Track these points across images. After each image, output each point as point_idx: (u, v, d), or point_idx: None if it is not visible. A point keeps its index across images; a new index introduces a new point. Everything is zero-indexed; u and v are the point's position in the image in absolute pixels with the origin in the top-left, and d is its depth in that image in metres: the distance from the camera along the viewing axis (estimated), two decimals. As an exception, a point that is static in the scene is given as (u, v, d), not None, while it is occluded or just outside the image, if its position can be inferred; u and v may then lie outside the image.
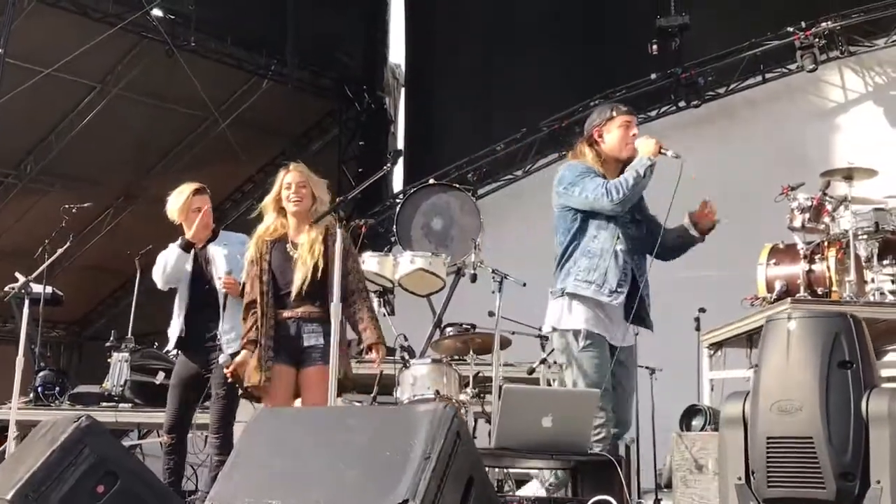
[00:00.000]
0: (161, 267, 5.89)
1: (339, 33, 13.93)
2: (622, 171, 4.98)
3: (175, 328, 5.92)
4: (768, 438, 3.07)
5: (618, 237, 4.90)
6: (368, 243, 9.97)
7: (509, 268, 9.61)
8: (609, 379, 4.81)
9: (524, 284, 6.90)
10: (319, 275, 5.13)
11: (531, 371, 6.93)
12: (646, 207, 5.19)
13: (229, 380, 5.39)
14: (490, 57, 13.37)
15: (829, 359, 3.01)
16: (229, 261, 5.82)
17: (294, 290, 5.18)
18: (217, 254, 5.91)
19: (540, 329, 7.54)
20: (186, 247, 5.83)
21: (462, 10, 13.84)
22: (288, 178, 5.34)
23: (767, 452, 3.05)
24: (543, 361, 6.87)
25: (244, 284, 5.40)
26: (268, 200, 5.40)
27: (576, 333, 4.90)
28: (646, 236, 5.08)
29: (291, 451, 3.70)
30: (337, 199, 5.35)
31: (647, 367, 8.46)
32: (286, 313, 5.23)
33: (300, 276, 5.16)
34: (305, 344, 5.19)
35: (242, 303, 5.36)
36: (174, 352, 6.24)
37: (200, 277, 5.90)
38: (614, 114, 5.04)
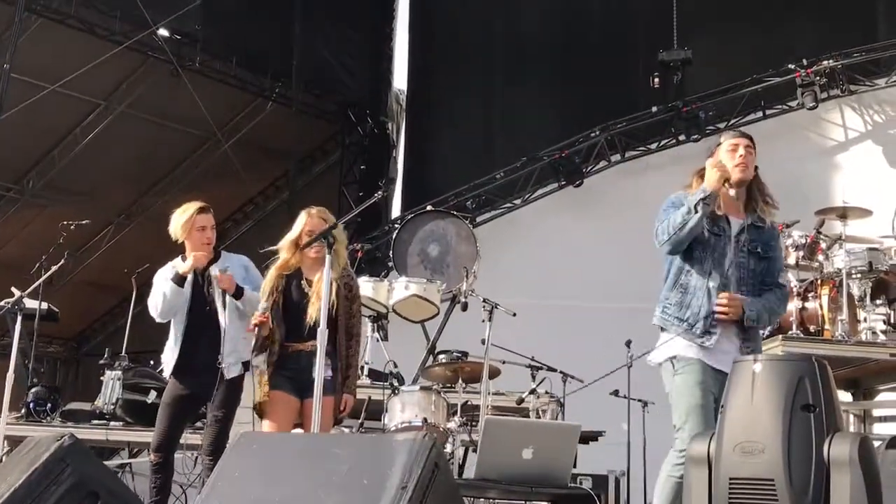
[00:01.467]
0: (157, 300, 5.82)
1: (344, 58, 14.01)
2: (748, 197, 4.54)
3: (171, 355, 5.85)
4: (731, 479, 3.08)
5: (710, 272, 4.45)
6: (365, 268, 10.03)
7: (505, 296, 9.62)
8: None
9: (514, 314, 6.91)
10: (332, 312, 5.26)
11: (520, 401, 6.93)
12: (775, 242, 4.62)
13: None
14: (492, 86, 13.45)
15: (793, 402, 3.02)
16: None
17: (307, 324, 5.35)
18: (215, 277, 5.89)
19: (532, 358, 7.61)
20: (180, 281, 5.77)
21: (466, 40, 13.94)
22: (309, 227, 5.50)
23: (730, 493, 3.06)
24: (533, 392, 6.88)
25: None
26: (288, 240, 5.54)
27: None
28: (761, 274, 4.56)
29: (271, 476, 3.70)
30: (328, 225, 5.36)
31: (639, 401, 8.47)
32: (298, 346, 5.39)
33: (313, 311, 5.32)
34: (314, 377, 5.16)
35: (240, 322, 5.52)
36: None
37: (201, 299, 5.87)
38: (721, 139, 4.61)
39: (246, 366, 5.69)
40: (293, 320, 5.39)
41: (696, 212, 4.30)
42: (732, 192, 4.46)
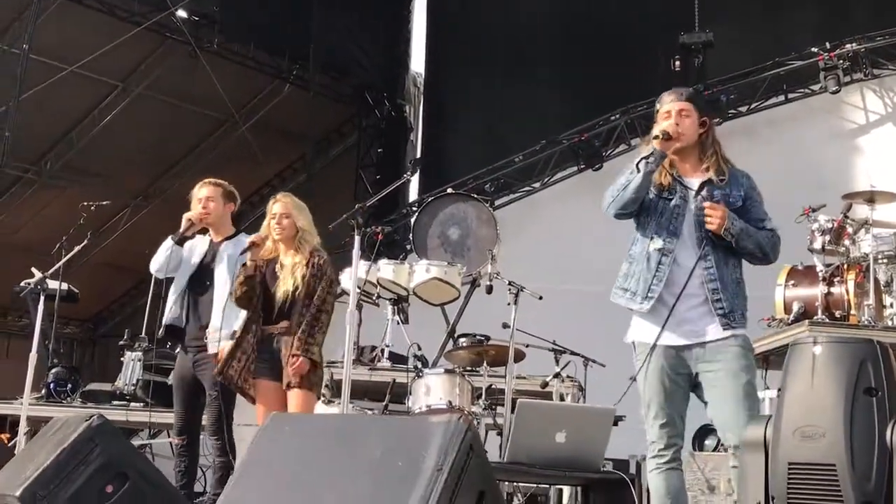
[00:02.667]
0: (157, 254, 6.03)
1: (361, 40, 13.95)
2: (701, 155, 4.35)
3: (169, 317, 6.02)
4: (790, 464, 3.01)
5: (652, 237, 4.28)
6: (384, 251, 9.99)
7: (524, 279, 9.59)
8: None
9: (540, 298, 6.88)
10: (293, 297, 5.57)
11: (544, 385, 6.90)
12: (750, 191, 4.37)
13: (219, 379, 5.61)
14: (511, 69, 13.35)
15: (855, 385, 2.95)
16: (230, 262, 5.93)
17: (276, 307, 5.59)
18: (224, 253, 5.99)
19: (554, 342, 7.58)
20: (180, 241, 5.99)
21: (485, 21, 13.84)
22: (274, 209, 5.75)
23: (789, 478, 2.99)
24: (557, 375, 6.84)
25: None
26: (264, 226, 5.79)
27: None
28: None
29: (303, 459, 3.67)
30: (356, 206, 5.37)
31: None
32: (269, 328, 5.61)
33: (281, 294, 5.58)
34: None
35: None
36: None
37: (206, 272, 5.98)
38: (657, 106, 4.38)
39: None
40: (267, 304, 5.60)
41: (638, 171, 4.16)
42: (676, 152, 4.28)
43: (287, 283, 5.54)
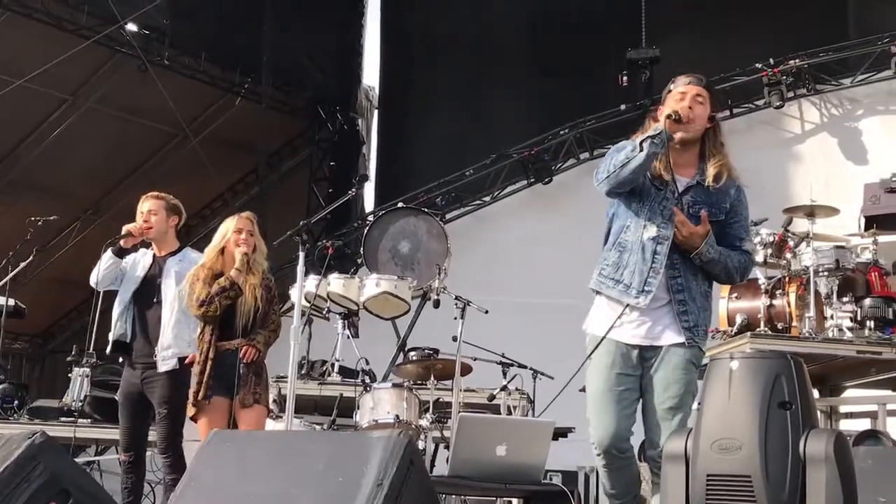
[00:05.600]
0: (97, 266, 5.96)
1: (314, 54, 13.98)
2: (701, 155, 4.08)
3: (115, 333, 5.96)
4: (708, 476, 3.11)
5: (645, 225, 4.00)
6: (335, 265, 10.01)
7: (475, 293, 9.65)
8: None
9: (486, 312, 6.94)
10: (255, 315, 5.60)
11: (492, 398, 6.97)
12: (736, 205, 4.12)
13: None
14: (463, 83, 13.46)
15: (770, 399, 3.06)
16: (178, 278, 5.89)
17: (237, 326, 5.60)
18: (170, 269, 5.97)
19: (503, 355, 7.65)
20: (118, 252, 5.93)
21: (438, 36, 13.95)
22: (239, 225, 5.72)
23: (707, 490, 3.09)
24: (504, 388, 6.91)
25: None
26: (217, 242, 5.74)
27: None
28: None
29: (245, 475, 3.70)
30: (301, 222, 5.40)
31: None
32: (225, 345, 5.59)
33: (241, 313, 5.59)
34: (241, 374, 5.54)
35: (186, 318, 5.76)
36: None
37: (151, 287, 5.95)
38: (671, 85, 4.09)
39: (182, 361, 5.78)
40: (222, 322, 5.58)
41: (642, 149, 3.85)
42: (679, 141, 3.98)
43: (249, 304, 5.58)
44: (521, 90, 13.05)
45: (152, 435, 6.05)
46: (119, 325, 5.93)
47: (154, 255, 6.06)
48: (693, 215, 4.00)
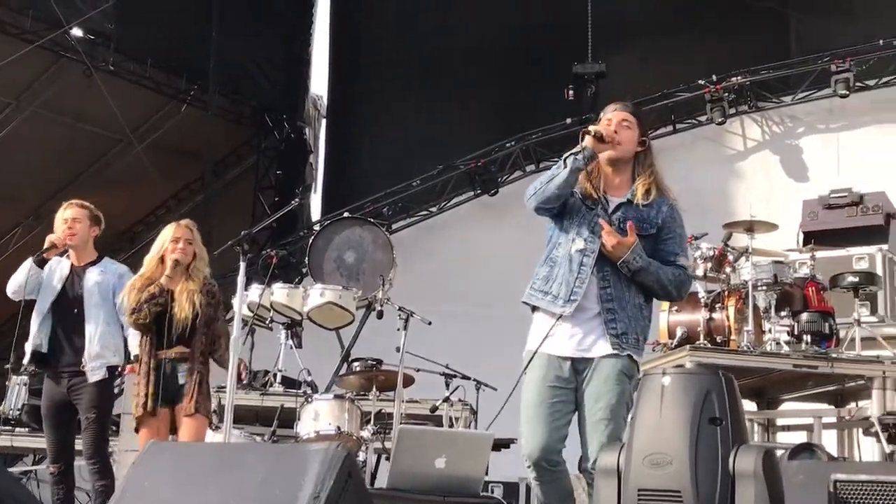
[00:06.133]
0: (15, 275, 5.86)
1: (261, 62, 13.92)
2: (632, 176, 4.22)
3: (32, 343, 5.84)
4: (639, 491, 3.15)
5: (573, 239, 4.13)
6: (279, 274, 9.97)
7: (421, 303, 9.64)
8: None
9: (429, 323, 6.95)
10: (193, 321, 5.52)
11: (434, 409, 6.97)
12: (669, 222, 4.21)
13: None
14: (412, 94, 13.51)
15: (700, 415, 3.10)
16: (101, 288, 5.84)
17: (174, 333, 5.51)
18: (91, 279, 5.89)
19: (447, 366, 7.67)
20: (40, 262, 5.81)
21: (387, 46, 13.97)
22: (177, 234, 5.67)
23: (638, 504, 3.14)
24: (447, 400, 6.92)
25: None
26: (155, 251, 5.67)
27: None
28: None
29: (181, 486, 3.67)
30: (242, 232, 5.37)
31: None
32: (163, 354, 5.53)
33: (179, 320, 5.51)
34: (180, 383, 5.49)
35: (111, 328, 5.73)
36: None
37: (70, 297, 5.86)
38: (602, 114, 4.27)
39: (111, 371, 5.74)
40: (158, 329, 5.52)
41: (566, 165, 4.01)
42: (609, 162, 4.14)
43: (185, 310, 5.50)
44: (470, 102, 13.11)
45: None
46: (37, 335, 5.82)
47: (72, 265, 5.94)
48: (622, 230, 4.11)
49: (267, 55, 14.01)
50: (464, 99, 13.14)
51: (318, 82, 14.79)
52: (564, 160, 4.03)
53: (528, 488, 7.70)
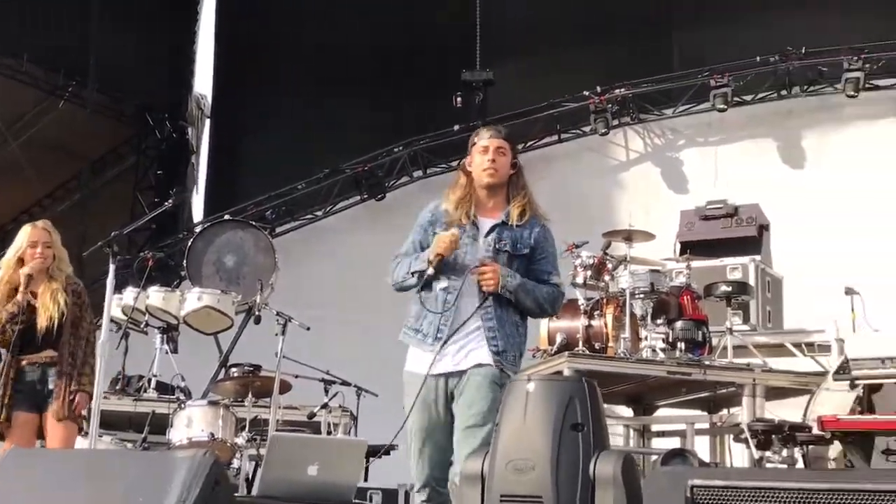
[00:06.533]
0: None
1: (143, 60, 13.60)
2: (506, 196, 4.36)
3: None
4: (502, 496, 3.17)
5: (439, 278, 4.26)
6: (157, 277, 9.74)
7: (306, 308, 9.56)
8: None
9: (308, 328, 6.87)
10: (59, 323, 5.36)
11: (311, 416, 6.89)
12: (541, 241, 4.36)
13: None
14: (300, 96, 13.35)
15: (563, 421, 3.14)
16: None
17: (39, 338, 5.35)
18: None
19: (327, 372, 7.59)
20: None
21: (274, 47, 13.80)
22: (34, 237, 5.49)
23: (500, 510, 3.15)
24: (325, 406, 6.85)
25: None
26: (11, 255, 5.49)
27: None
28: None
29: (44, 495, 3.54)
30: (112, 233, 5.21)
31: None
32: (30, 358, 5.37)
33: (43, 323, 5.34)
34: (50, 388, 5.33)
35: None
36: None
37: None
38: (475, 137, 4.41)
39: None
40: (23, 337, 5.35)
41: (413, 276, 4.26)
42: (486, 187, 4.31)
43: (50, 310, 5.33)
44: (358, 107, 13.04)
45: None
46: None
47: None
48: (499, 250, 4.28)
49: (150, 53, 13.69)
50: (352, 103, 13.06)
51: (203, 81, 14.53)
52: (412, 273, 4.25)
53: (408, 495, 7.69)
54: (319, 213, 12.60)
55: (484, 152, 4.30)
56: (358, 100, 13.00)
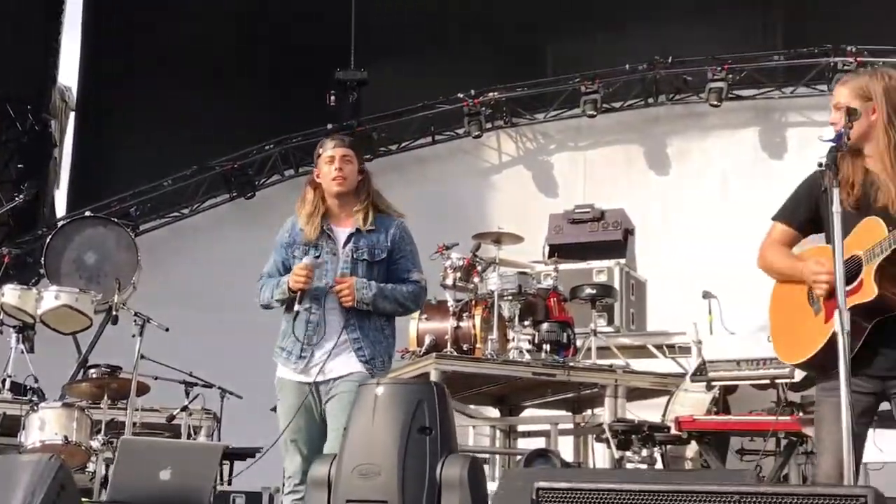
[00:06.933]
0: None
1: (4, 49, 13.04)
2: (357, 203, 4.48)
3: None
4: (348, 501, 3.15)
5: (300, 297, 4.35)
6: (14, 274, 9.40)
7: (171, 308, 9.33)
8: None
9: (167, 329, 6.72)
10: None
11: (171, 418, 6.73)
12: (399, 241, 4.49)
13: None
14: (168, 90, 12.99)
15: (411, 425, 3.13)
16: None
17: None
18: None
19: (190, 373, 7.42)
20: None
21: (144, 40, 13.39)
22: None
23: (347, 516, 3.12)
24: (185, 409, 6.70)
25: None
26: None
27: None
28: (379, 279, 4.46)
29: None
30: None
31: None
32: None
33: None
34: None
35: None
36: None
37: None
38: (320, 148, 4.53)
39: None
40: None
41: (276, 300, 4.41)
42: (336, 196, 4.43)
43: None
44: (229, 103, 12.75)
45: None
46: None
47: None
48: (357, 260, 4.41)
49: (11, 42, 13.15)
50: (223, 99, 12.79)
51: (68, 73, 14.01)
52: (276, 299, 4.41)
53: (272, 498, 7.58)
54: (186, 211, 12.30)
55: (330, 162, 4.40)
56: (231, 96, 12.73)
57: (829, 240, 3.41)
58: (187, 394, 6.93)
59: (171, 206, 12.24)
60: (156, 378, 6.71)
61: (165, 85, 12.92)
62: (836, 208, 3.30)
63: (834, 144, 3.40)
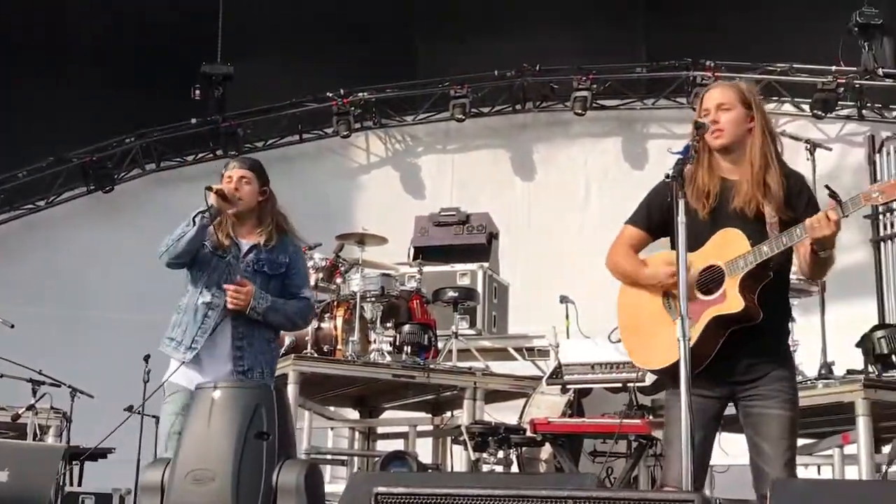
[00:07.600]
0: None
1: None
2: (259, 220, 4.70)
3: None
4: (181, 508, 3.07)
5: (202, 290, 4.56)
6: None
7: (21, 304, 9.01)
8: None
9: (12, 326, 6.48)
10: None
11: (16, 417, 6.50)
12: (294, 259, 4.74)
13: None
14: (24, 77, 12.49)
15: (247, 429, 3.09)
16: None
17: None
18: None
19: (40, 371, 7.17)
20: None
21: (1, 24, 12.86)
22: None
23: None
24: (31, 408, 6.47)
25: None
26: None
27: None
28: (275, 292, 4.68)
29: None
30: None
31: (154, 416, 8.25)
32: None
33: None
34: None
35: None
36: None
37: None
38: (223, 170, 4.72)
39: None
40: None
41: (194, 223, 4.44)
42: (235, 215, 4.61)
43: None
44: (89, 94, 12.30)
45: None
46: None
47: None
48: (256, 271, 4.62)
49: None
50: (84, 89, 12.35)
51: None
52: (193, 218, 4.45)
53: (123, 499, 7.39)
54: (41, 203, 11.84)
55: (229, 182, 4.59)
56: (91, 86, 12.31)
57: (675, 246, 3.50)
58: (34, 392, 6.69)
59: (26, 197, 11.79)
60: (1, 376, 6.45)
61: (22, 71, 12.42)
62: (681, 219, 3.38)
63: (681, 157, 3.49)
